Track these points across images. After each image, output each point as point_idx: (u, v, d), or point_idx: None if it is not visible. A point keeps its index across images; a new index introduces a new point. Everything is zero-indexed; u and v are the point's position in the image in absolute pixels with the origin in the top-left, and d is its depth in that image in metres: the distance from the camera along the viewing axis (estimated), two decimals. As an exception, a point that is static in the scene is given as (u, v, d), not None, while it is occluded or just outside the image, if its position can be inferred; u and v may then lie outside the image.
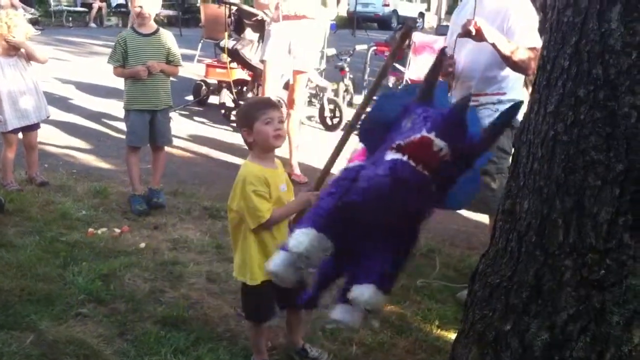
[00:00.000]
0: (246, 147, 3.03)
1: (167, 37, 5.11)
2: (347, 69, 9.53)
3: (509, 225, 2.19)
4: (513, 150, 2.48)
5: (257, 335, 3.14)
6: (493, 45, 3.70)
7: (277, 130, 2.87)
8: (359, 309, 2.07)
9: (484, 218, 4.57)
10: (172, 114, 5.31)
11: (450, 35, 4.23)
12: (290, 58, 6.24)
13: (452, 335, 3.53)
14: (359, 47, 10.40)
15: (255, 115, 2.88)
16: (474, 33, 3.62)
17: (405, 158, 1.87)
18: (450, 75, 4.05)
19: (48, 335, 3.21)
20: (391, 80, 10.27)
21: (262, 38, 7.30)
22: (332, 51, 9.52)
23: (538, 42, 3.69)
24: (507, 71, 3.92)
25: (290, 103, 6.42)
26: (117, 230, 4.57)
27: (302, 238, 2.02)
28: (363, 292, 2.04)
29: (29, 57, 5.36)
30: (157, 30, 5.07)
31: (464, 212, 4.83)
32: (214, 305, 3.66)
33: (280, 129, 2.90)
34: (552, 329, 1.97)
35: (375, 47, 10.57)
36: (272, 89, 6.42)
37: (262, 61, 6.63)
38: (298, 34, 6.20)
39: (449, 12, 23.95)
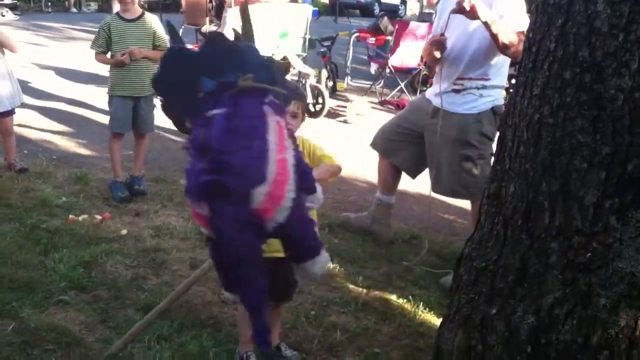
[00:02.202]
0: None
1: (153, 21, 5.04)
2: (329, 56, 9.51)
3: (494, 209, 2.18)
4: (497, 135, 2.47)
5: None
6: (485, 23, 3.70)
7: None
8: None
9: (466, 204, 4.59)
10: (155, 101, 5.25)
11: (438, 18, 4.23)
12: None
13: (436, 321, 3.55)
14: (341, 34, 10.37)
15: None
16: (468, 9, 3.62)
17: None
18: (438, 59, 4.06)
19: (29, 322, 3.18)
20: (373, 67, 10.27)
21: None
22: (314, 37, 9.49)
23: (527, 26, 3.70)
24: (493, 58, 3.94)
25: None
26: (99, 217, 4.52)
27: None
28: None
29: (1, 44, 5.28)
30: (142, 15, 5.00)
31: (445, 199, 4.84)
32: (197, 292, 3.63)
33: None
34: (538, 312, 1.97)
35: (357, 34, 10.55)
36: None
37: None
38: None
39: (431, -1, 23.92)
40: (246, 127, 1.95)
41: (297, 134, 2.92)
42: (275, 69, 2.15)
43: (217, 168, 1.90)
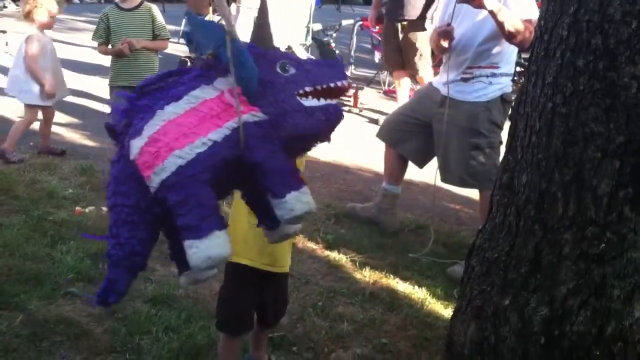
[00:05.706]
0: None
1: (151, 10, 5.04)
2: (333, 45, 9.47)
3: (506, 200, 2.16)
4: (508, 124, 2.45)
5: (229, 353, 2.80)
6: (491, 12, 3.69)
7: None
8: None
9: (472, 193, 4.57)
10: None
11: (445, 6, 4.21)
12: None
13: (443, 311, 3.54)
14: (345, 23, 10.32)
15: None
16: None
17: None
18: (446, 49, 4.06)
19: (38, 314, 3.17)
20: (377, 56, 10.22)
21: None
22: (317, 26, 9.43)
23: (534, 14, 3.68)
24: (502, 46, 3.94)
25: None
26: (105, 209, 4.51)
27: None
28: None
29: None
30: (140, 4, 4.99)
31: (452, 188, 4.83)
32: (204, 284, 3.62)
33: None
34: (551, 303, 1.96)
35: (361, 22, 10.49)
36: None
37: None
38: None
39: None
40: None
41: None
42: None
43: None
